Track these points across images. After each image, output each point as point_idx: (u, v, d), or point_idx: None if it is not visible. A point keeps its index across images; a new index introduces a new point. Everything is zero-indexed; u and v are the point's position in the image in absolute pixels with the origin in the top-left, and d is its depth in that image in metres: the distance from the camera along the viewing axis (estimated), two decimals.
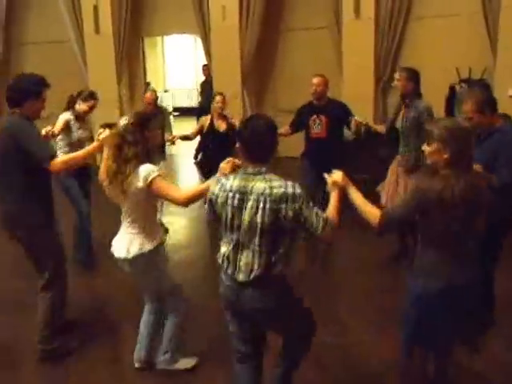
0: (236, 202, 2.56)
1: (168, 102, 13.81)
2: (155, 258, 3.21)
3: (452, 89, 7.58)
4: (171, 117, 13.02)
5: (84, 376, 3.56)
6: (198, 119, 10.74)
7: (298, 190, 2.51)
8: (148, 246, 3.16)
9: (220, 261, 2.71)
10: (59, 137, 5.07)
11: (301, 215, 2.50)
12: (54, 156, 3.49)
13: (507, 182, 3.37)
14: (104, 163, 3.19)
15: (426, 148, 2.65)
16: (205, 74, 10.34)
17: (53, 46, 10.07)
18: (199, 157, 10.41)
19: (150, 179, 3.00)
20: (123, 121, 3.12)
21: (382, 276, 4.91)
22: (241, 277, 2.61)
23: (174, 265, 4.54)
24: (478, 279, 2.79)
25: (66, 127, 5.02)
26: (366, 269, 5.11)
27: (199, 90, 10.91)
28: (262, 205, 2.50)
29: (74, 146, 5.02)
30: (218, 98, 5.96)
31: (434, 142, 2.58)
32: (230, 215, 2.59)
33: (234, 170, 2.78)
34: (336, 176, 2.79)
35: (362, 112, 8.14)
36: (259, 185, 2.52)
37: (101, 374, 3.56)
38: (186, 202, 3.09)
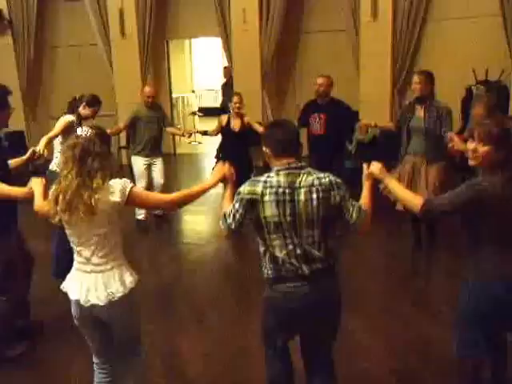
0: (288, 196, 2.54)
1: (194, 102, 14.13)
2: (135, 297, 2.73)
3: (469, 90, 7.57)
4: (196, 116, 13.33)
5: None
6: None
7: (339, 179, 2.66)
8: (132, 283, 2.69)
9: (273, 268, 2.61)
10: (59, 139, 4.89)
11: (343, 201, 2.60)
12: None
13: None
14: (54, 189, 2.62)
15: (475, 148, 2.59)
16: (226, 76, 10.54)
17: (81, 49, 10.42)
18: (221, 156, 10.68)
19: (128, 191, 2.62)
20: (81, 131, 2.65)
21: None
22: (306, 271, 2.58)
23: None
24: None
25: (68, 130, 4.66)
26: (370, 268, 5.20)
27: (221, 91, 11.07)
28: (315, 195, 2.55)
29: None
30: (235, 97, 6.16)
31: (487, 143, 2.56)
32: (282, 213, 2.54)
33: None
34: (374, 167, 2.87)
35: (379, 113, 8.25)
36: (308, 178, 2.58)
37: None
38: (176, 203, 2.89)
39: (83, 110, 5.01)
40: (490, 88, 7.28)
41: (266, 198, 2.54)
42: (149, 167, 6.49)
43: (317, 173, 2.62)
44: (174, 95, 11.38)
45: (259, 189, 2.56)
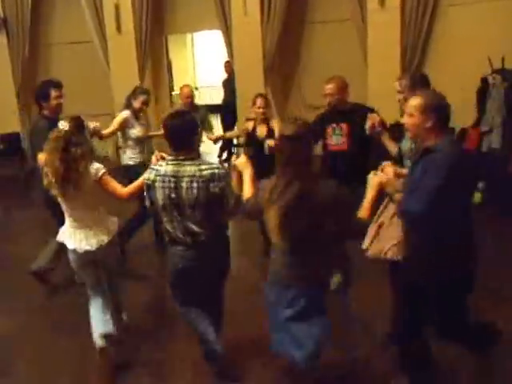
0: (171, 184, 3.14)
1: (197, 99, 13.74)
2: (115, 249, 3.70)
3: (484, 80, 7.11)
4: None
5: None
6: (221, 117, 10.61)
7: (223, 171, 3.15)
8: (107, 237, 3.55)
9: (168, 236, 3.29)
10: (119, 134, 5.56)
11: (223, 192, 3.10)
12: None
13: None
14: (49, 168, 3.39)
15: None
16: (227, 71, 10.13)
17: (77, 46, 10.05)
18: (224, 155, 10.30)
19: (99, 174, 3.42)
20: (62, 125, 3.37)
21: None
22: (188, 240, 3.21)
23: None
24: None
25: (125, 125, 5.42)
26: None
27: (222, 87, 10.67)
28: (195, 184, 3.09)
29: (135, 142, 5.46)
30: (259, 100, 5.28)
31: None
32: (166, 197, 3.15)
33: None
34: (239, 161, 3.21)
35: (388, 106, 7.80)
36: (191, 168, 3.12)
37: None
38: (129, 195, 3.52)
39: (134, 104, 5.52)
40: (507, 77, 6.84)
41: (156, 184, 3.18)
42: None
43: (202, 164, 3.14)
44: (176, 92, 11.02)
45: (152, 176, 3.21)
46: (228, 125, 9.74)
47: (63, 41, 10.14)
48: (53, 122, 3.98)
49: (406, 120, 2.84)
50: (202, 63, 15.43)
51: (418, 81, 3.84)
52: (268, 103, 5.40)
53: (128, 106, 5.58)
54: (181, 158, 3.14)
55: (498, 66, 7.01)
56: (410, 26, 7.79)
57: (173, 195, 3.12)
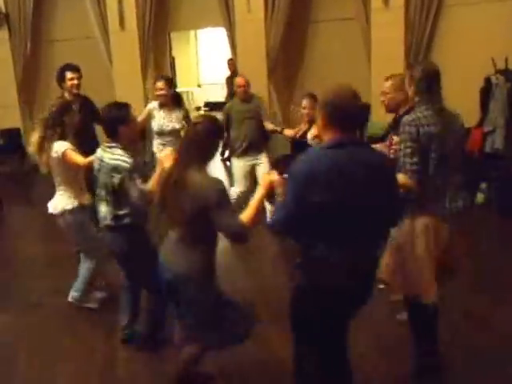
0: (96, 166, 3.57)
1: (200, 96, 13.73)
2: (76, 217, 4.20)
3: (487, 80, 7.06)
4: (201, 112, 12.93)
5: None
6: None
7: (126, 165, 3.36)
8: (69, 206, 4.16)
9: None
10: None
11: (124, 184, 3.34)
12: None
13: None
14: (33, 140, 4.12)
15: None
16: (230, 69, 10.10)
17: (79, 42, 9.99)
18: (226, 154, 10.25)
19: (60, 153, 4.03)
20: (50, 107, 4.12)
21: None
22: (101, 221, 3.64)
23: None
24: None
25: (149, 117, 5.68)
26: None
27: (225, 84, 10.64)
28: (105, 170, 3.43)
29: (161, 135, 5.61)
30: (305, 101, 5.20)
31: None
32: (96, 174, 3.56)
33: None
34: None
35: None
36: (107, 156, 3.46)
37: None
38: (86, 165, 3.96)
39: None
40: (510, 77, 6.80)
41: (94, 164, 3.62)
42: (253, 168, 5.99)
43: (116, 154, 3.42)
44: (179, 90, 11.00)
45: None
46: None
47: (65, 37, 10.09)
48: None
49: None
50: (205, 60, 15.38)
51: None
52: (313, 105, 4.86)
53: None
54: (106, 144, 3.52)
55: (501, 66, 6.98)
56: (414, 26, 7.72)
57: (98, 174, 3.54)
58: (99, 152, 3.55)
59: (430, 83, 3.06)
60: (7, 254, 5.95)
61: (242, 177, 6.01)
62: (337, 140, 2.37)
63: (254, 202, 2.84)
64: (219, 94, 15.07)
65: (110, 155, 3.44)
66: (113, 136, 3.49)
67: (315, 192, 2.28)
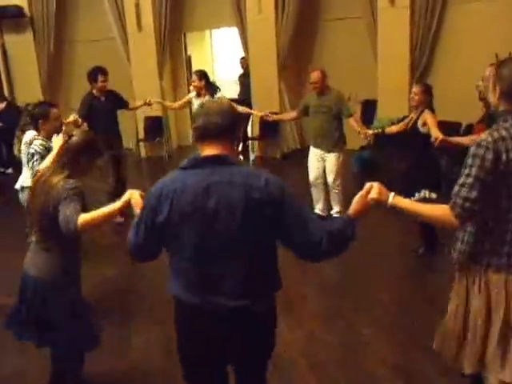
0: None
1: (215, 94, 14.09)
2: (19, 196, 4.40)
3: None
4: None
5: None
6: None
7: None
8: (28, 183, 4.03)
9: None
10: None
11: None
12: None
13: None
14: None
15: None
16: (243, 67, 10.46)
17: (100, 43, 10.44)
18: (239, 147, 10.64)
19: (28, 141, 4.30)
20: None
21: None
22: None
23: None
24: None
25: (187, 103, 6.97)
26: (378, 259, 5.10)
27: (238, 81, 11.00)
28: None
29: None
30: (414, 89, 5.21)
31: None
32: None
33: None
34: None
35: (398, 102, 8.07)
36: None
37: None
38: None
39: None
40: None
41: None
42: (323, 161, 5.98)
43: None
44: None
45: None
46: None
47: (86, 38, 10.56)
48: (96, 99, 6.30)
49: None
50: (220, 58, 15.74)
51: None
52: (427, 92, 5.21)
53: None
54: None
55: None
56: (420, 24, 8.01)
57: None
58: None
59: None
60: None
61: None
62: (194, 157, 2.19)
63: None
64: (233, 91, 15.48)
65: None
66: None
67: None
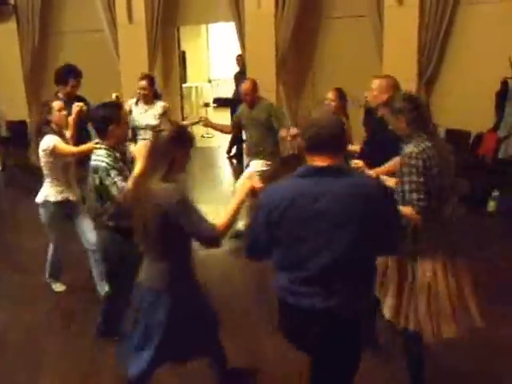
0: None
1: (209, 92, 13.53)
2: (53, 210, 4.27)
3: (504, 83, 6.80)
4: (210, 108, 12.68)
5: None
6: (231, 111, 10.38)
7: (103, 164, 3.29)
8: (51, 198, 4.25)
9: None
10: None
11: (102, 183, 3.32)
12: None
13: None
14: None
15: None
16: (239, 65, 9.90)
17: (87, 34, 9.87)
18: (233, 151, 10.08)
19: (50, 148, 4.11)
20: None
21: None
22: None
23: None
24: None
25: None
26: None
27: (234, 80, 10.44)
28: (91, 175, 3.42)
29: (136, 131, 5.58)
30: (331, 93, 5.06)
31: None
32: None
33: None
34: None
35: None
36: (92, 156, 3.42)
37: None
38: (75, 153, 4.18)
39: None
40: None
41: None
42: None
43: (98, 154, 3.36)
44: (187, 85, 10.82)
45: None
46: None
47: (73, 29, 9.97)
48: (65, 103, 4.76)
49: None
50: (216, 55, 15.18)
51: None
52: (341, 96, 5.06)
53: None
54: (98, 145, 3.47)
55: None
56: (429, 25, 7.47)
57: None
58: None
59: (421, 112, 2.91)
60: (11, 246, 5.92)
61: None
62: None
63: (230, 207, 2.72)
64: (229, 90, 14.90)
65: (94, 156, 3.41)
66: (102, 135, 3.42)
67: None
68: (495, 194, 6.52)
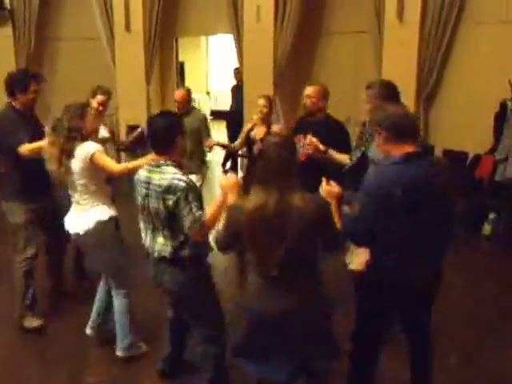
0: (144, 191, 3.00)
1: (207, 104, 13.43)
2: (107, 231, 3.60)
3: (503, 105, 6.68)
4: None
5: None
6: (227, 124, 10.27)
7: (182, 183, 2.84)
8: (102, 217, 3.57)
9: (145, 244, 3.14)
10: None
11: (178, 207, 2.84)
12: None
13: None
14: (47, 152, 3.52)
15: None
16: (236, 78, 9.81)
17: (84, 42, 9.76)
18: (228, 164, 9.96)
19: (89, 156, 3.45)
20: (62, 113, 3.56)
21: None
22: (156, 254, 3.06)
23: None
24: None
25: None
26: None
27: (231, 93, 10.34)
28: (156, 194, 2.91)
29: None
30: (261, 100, 5.27)
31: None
32: (142, 202, 3.03)
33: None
34: (224, 181, 2.92)
35: None
36: (155, 176, 2.94)
37: None
38: (119, 173, 3.58)
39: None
40: None
41: (137, 187, 3.08)
42: None
43: (166, 172, 2.90)
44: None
45: (136, 177, 3.11)
46: (233, 133, 9.40)
47: (70, 36, 9.85)
48: (23, 117, 4.12)
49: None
50: (215, 67, 15.10)
51: (385, 92, 3.66)
52: (271, 105, 5.31)
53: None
54: (154, 163, 3.00)
55: None
56: (429, 43, 7.36)
57: (145, 202, 3.00)
58: (143, 174, 3.03)
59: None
60: None
61: None
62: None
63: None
64: (227, 103, 14.81)
65: (160, 175, 2.92)
66: (163, 151, 2.98)
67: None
68: (491, 216, 6.40)
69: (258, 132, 5.18)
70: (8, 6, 9.47)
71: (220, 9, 8.86)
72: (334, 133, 4.35)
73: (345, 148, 4.15)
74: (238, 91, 9.53)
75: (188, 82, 14.17)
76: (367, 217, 2.57)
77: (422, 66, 7.51)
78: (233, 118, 9.63)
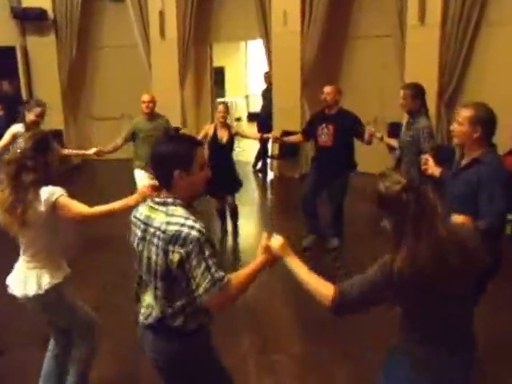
0: (140, 233, 2.23)
1: (244, 108, 13.72)
2: (65, 292, 2.94)
3: None
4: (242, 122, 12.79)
5: None
6: (258, 126, 10.51)
7: (195, 233, 2.03)
8: (57, 279, 2.89)
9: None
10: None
11: (187, 263, 2.02)
12: None
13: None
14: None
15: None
16: (266, 82, 10.01)
17: (123, 50, 10.28)
18: (258, 165, 10.16)
19: (52, 200, 2.75)
20: (20, 144, 2.80)
21: None
22: (141, 318, 2.32)
23: None
24: None
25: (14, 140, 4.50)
26: None
27: (261, 97, 10.55)
28: (156, 241, 2.12)
29: None
30: (220, 107, 5.86)
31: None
32: (136, 246, 2.26)
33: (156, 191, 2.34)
34: (274, 242, 2.22)
35: None
36: (160, 218, 2.15)
37: None
38: (90, 217, 2.86)
39: (27, 117, 5.07)
40: None
41: (132, 227, 2.32)
42: None
43: (176, 215, 2.11)
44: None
45: (133, 213, 2.34)
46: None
47: (110, 44, 10.40)
48: None
49: (455, 127, 3.06)
50: (254, 71, 15.41)
51: (417, 92, 4.52)
52: (228, 110, 5.90)
53: (22, 118, 5.27)
54: (157, 199, 2.22)
55: None
56: (450, 45, 7.38)
57: (139, 247, 2.24)
58: (142, 211, 2.26)
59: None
60: None
61: None
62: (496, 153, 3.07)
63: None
64: None
65: (165, 217, 2.12)
66: (167, 185, 2.18)
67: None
68: (510, 217, 6.34)
69: (221, 134, 5.78)
70: (51, 16, 10.05)
71: (250, 14, 9.14)
72: (352, 119, 5.38)
73: (362, 128, 5.22)
74: (268, 94, 9.74)
75: (228, 86, 14.53)
76: (504, 200, 2.87)
77: (444, 67, 7.52)
78: (263, 120, 9.84)
